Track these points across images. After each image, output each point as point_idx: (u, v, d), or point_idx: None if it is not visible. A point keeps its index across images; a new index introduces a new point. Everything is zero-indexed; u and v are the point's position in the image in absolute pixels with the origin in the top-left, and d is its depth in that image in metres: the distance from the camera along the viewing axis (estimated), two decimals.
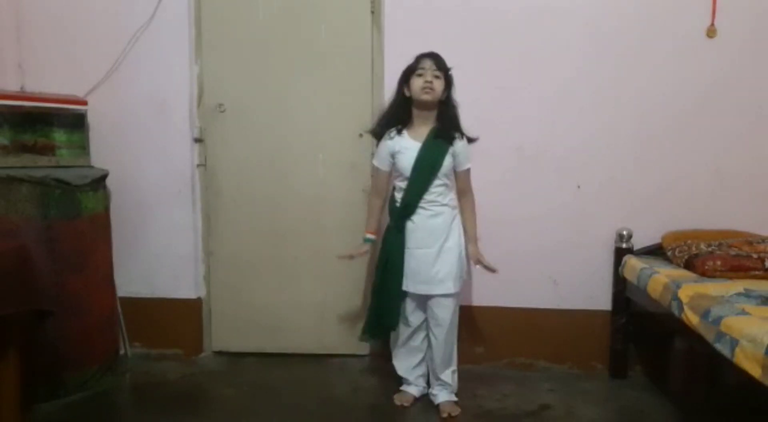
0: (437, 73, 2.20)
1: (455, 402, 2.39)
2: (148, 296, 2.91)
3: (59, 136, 2.55)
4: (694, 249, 2.39)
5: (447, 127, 2.27)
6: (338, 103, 2.81)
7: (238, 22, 2.82)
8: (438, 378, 2.40)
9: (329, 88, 2.81)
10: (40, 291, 2.24)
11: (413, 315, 2.36)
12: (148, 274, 2.91)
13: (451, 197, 2.33)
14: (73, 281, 2.43)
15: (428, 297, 2.31)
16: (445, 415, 2.32)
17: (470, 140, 2.34)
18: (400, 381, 2.51)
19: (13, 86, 2.77)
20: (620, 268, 2.63)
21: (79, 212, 2.44)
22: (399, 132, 2.29)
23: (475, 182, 2.61)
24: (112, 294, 2.72)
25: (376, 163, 2.38)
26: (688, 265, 2.34)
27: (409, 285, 2.29)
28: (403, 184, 2.29)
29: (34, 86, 2.79)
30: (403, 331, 2.39)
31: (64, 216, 2.39)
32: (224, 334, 2.98)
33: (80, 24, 2.81)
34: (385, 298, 2.33)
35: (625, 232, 2.65)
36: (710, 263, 2.26)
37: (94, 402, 2.47)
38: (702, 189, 2.70)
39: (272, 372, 2.79)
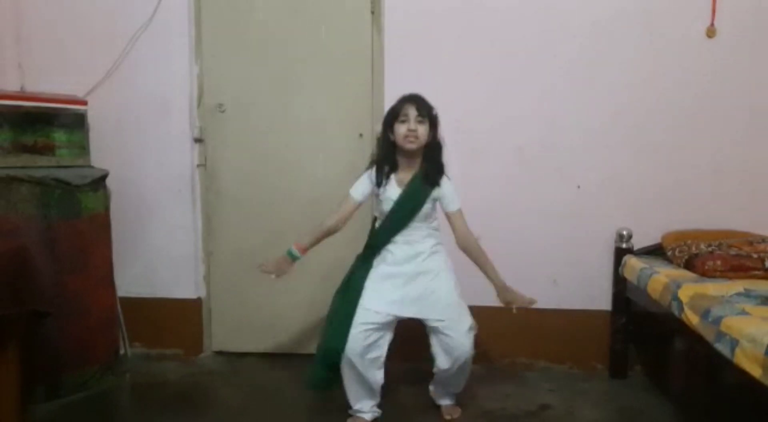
0: (420, 118, 2.11)
1: (456, 404, 2.38)
2: (148, 296, 2.91)
3: (59, 136, 2.55)
4: (694, 249, 2.39)
5: (432, 170, 2.18)
6: (338, 103, 2.81)
7: (238, 22, 2.82)
8: (445, 388, 2.34)
9: (329, 88, 2.81)
10: (40, 292, 2.24)
11: (375, 345, 2.14)
12: (148, 274, 2.91)
13: (429, 232, 2.22)
14: (73, 281, 2.43)
15: (423, 324, 2.19)
16: (448, 417, 2.32)
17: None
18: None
19: (13, 86, 2.77)
20: (620, 268, 2.63)
21: (79, 212, 2.44)
22: (387, 175, 2.18)
23: (476, 182, 2.61)
24: (112, 294, 2.72)
25: (352, 191, 2.22)
26: (688, 265, 2.34)
27: (379, 305, 2.13)
28: (382, 217, 2.24)
29: (34, 86, 2.79)
30: (359, 363, 2.12)
31: (64, 216, 2.39)
32: (224, 334, 2.99)
33: (80, 24, 2.81)
34: (336, 325, 2.15)
35: (625, 232, 2.65)
36: (710, 263, 2.26)
37: (94, 402, 2.47)
38: (702, 189, 2.70)
39: (272, 372, 2.79)
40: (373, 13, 2.76)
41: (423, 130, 2.13)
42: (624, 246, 2.66)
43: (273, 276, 2.21)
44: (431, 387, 2.40)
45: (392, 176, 2.20)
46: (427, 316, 2.17)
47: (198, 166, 2.89)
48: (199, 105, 2.87)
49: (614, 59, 2.67)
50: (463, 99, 2.64)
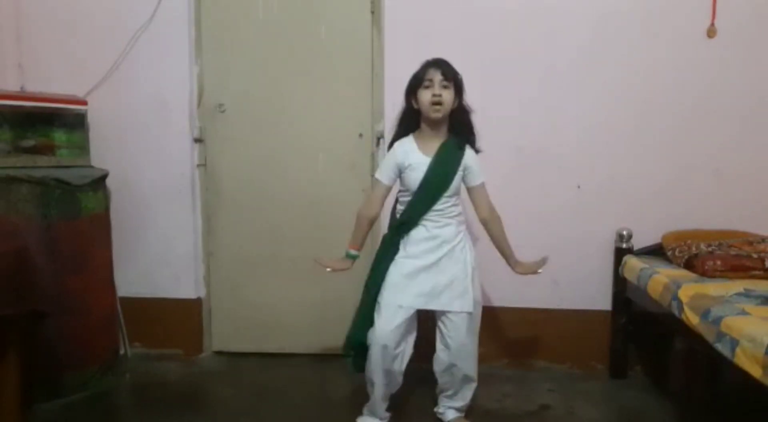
0: (445, 83, 2.02)
1: (464, 417, 2.30)
2: (148, 296, 2.91)
3: (59, 136, 2.55)
4: (694, 249, 2.39)
5: (461, 136, 2.12)
6: (338, 103, 2.81)
7: (238, 22, 2.82)
8: (450, 398, 2.27)
9: (329, 88, 2.81)
10: (39, 292, 2.24)
11: (398, 335, 2.07)
12: (148, 274, 2.91)
13: (458, 212, 2.14)
14: (73, 281, 2.43)
15: (432, 313, 2.16)
16: None
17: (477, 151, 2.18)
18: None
19: (13, 86, 2.77)
20: (620, 268, 2.63)
21: (79, 212, 2.44)
22: (409, 143, 2.11)
23: None
24: (112, 294, 2.72)
25: (378, 175, 2.14)
26: (688, 265, 2.34)
27: (406, 299, 2.07)
28: (406, 198, 2.13)
29: (34, 86, 2.79)
30: (384, 354, 2.08)
31: (64, 216, 2.39)
32: (224, 334, 2.99)
33: (80, 24, 2.81)
34: (361, 311, 2.14)
35: (625, 232, 2.65)
36: (710, 263, 2.26)
37: (94, 402, 2.48)
38: (702, 189, 2.70)
39: (272, 372, 2.79)
40: (373, 13, 2.76)
41: (448, 96, 2.03)
42: (624, 246, 2.66)
43: (329, 269, 2.17)
44: (437, 409, 2.32)
45: (415, 145, 2.10)
46: (453, 308, 2.09)
47: (198, 166, 2.89)
48: (199, 105, 2.87)
49: (614, 59, 2.67)
50: None
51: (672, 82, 2.67)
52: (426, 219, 2.10)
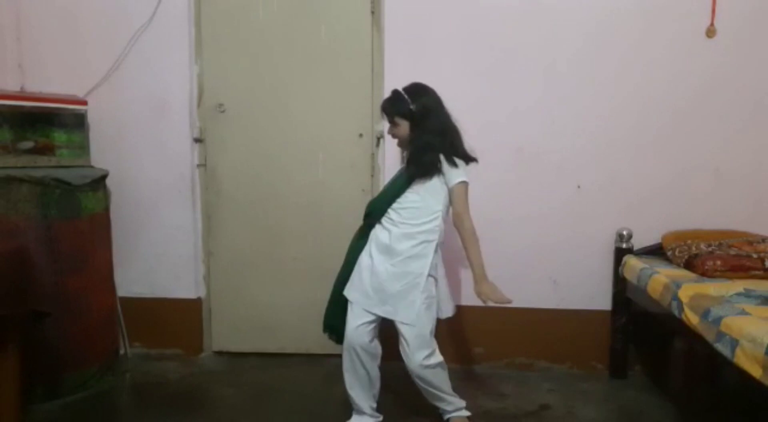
0: (389, 121, 2.16)
1: (463, 415, 2.28)
2: (148, 296, 2.91)
3: (59, 136, 2.55)
4: (694, 249, 2.39)
5: (410, 162, 2.12)
6: (338, 103, 2.81)
7: (238, 22, 2.82)
8: (431, 402, 2.26)
9: (329, 88, 2.81)
10: (39, 292, 2.24)
11: (363, 333, 2.11)
12: (148, 274, 2.91)
13: (422, 222, 2.10)
14: (73, 281, 2.43)
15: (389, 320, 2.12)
16: None
17: (469, 159, 2.17)
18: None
19: (13, 86, 2.78)
20: (620, 268, 2.63)
21: (79, 212, 2.44)
22: None
23: (475, 182, 2.59)
24: (112, 294, 2.72)
25: None
26: (688, 265, 2.34)
27: (358, 297, 2.14)
28: None
29: (34, 86, 2.79)
30: (345, 352, 2.16)
31: (64, 216, 2.39)
32: (224, 334, 2.99)
33: (80, 24, 2.82)
34: (331, 297, 2.28)
35: (625, 232, 2.65)
36: (710, 263, 2.27)
37: (94, 402, 2.48)
38: (702, 189, 2.70)
39: (272, 372, 2.79)
40: (373, 13, 2.76)
41: (400, 130, 2.15)
42: (624, 246, 2.66)
43: None
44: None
45: None
46: (395, 317, 2.09)
47: (198, 166, 2.90)
48: (199, 105, 2.87)
49: (614, 59, 2.67)
50: (463, 99, 2.62)
51: (671, 82, 2.67)
52: (386, 220, 2.16)
